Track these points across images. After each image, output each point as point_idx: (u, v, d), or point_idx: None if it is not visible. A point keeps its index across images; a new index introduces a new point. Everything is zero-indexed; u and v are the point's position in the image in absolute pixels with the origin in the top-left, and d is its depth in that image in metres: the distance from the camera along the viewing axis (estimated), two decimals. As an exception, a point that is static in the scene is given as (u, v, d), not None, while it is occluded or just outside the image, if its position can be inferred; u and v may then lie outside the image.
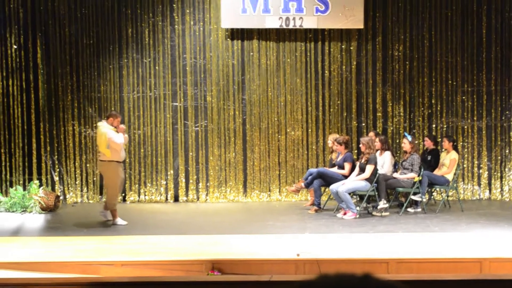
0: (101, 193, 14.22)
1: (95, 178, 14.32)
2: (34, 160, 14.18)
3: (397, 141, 14.30)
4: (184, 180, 14.44)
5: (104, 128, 11.47)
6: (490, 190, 14.50)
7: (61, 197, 13.97)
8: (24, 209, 12.91)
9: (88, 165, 14.31)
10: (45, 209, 12.90)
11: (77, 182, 14.31)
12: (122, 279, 5.41)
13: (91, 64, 14.26)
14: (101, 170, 12.04)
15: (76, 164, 14.31)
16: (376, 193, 12.17)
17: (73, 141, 14.29)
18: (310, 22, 14.05)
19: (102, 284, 4.86)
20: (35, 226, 11.83)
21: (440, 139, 13.79)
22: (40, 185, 13.53)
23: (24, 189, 13.52)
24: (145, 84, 14.34)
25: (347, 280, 1.85)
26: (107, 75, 14.29)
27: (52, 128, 14.25)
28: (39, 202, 12.87)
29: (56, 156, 14.27)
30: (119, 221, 11.50)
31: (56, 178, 14.24)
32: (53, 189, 14.06)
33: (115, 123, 11.58)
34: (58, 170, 14.27)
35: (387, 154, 12.74)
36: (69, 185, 14.29)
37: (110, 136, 11.33)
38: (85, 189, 14.32)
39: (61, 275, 8.00)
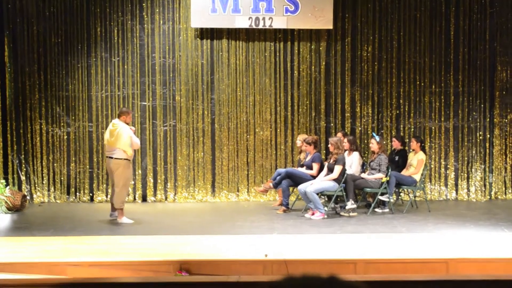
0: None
1: (62, 178, 14.21)
2: (1, 159, 14.04)
3: (365, 141, 14.37)
4: (152, 180, 14.38)
5: (124, 127, 11.50)
6: (456, 190, 14.62)
7: (28, 197, 13.84)
8: (-10, 209, 12.78)
9: (55, 164, 14.20)
10: (12, 208, 12.78)
11: (44, 182, 14.19)
12: (89, 280, 5.37)
13: (59, 62, 14.16)
14: (115, 168, 11.54)
15: (43, 163, 14.19)
16: (344, 193, 12.22)
17: (40, 140, 14.17)
18: (279, 22, 14.07)
19: (69, 285, 4.82)
20: (0, 226, 11.70)
21: (408, 140, 13.89)
22: (7, 185, 13.40)
23: (-10, 188, 13.39)
24: (114, 83, 14.27)
25: (313, 282, 1.85)
26: (75, 74, 14.20)
27: (19, 127, 14.12)
28: (5, 202, 12.74)
29: (23, 155, 14.14)
30: (125, 219, 11.52)
31: (23, 178, 14.11)
32: (19, 188, 13.93)
33: (128, 119, 11.70)
34: (25, 169, 14.14)
35: (355, 154, 12.78)
36: (36, 185, 14.17)
37: (131, 135, 11.49)
38: (52, 189, 14.20)
39: (27, 276, 7.93)
